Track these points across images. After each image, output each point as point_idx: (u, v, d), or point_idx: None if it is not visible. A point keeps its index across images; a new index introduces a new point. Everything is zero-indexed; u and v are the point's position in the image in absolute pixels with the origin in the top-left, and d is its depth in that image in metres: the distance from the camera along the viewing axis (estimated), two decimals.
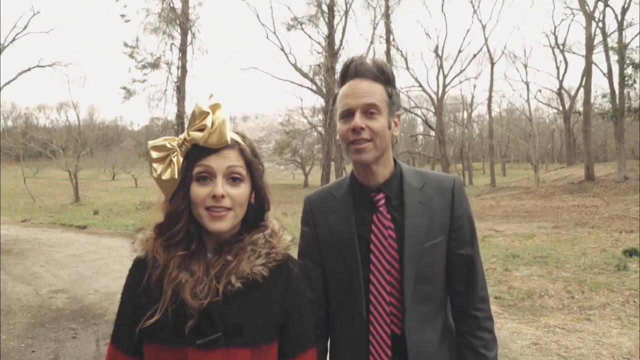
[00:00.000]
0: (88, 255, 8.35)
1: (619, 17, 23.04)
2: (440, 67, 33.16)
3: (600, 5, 24.37)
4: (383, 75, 1.28)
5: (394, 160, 1.38)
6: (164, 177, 1.04)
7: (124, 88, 20.86)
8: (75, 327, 4.64)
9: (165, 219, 1.06)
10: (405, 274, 1.27)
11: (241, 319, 1.04)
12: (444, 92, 33.10)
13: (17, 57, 42.35)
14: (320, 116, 25.36)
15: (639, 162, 26.13)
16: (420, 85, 31.71)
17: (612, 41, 23.20)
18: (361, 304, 1.30)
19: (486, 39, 32.42)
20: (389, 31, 25.83)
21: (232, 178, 1.05)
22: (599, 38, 25.06)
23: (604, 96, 23.80)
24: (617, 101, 21.02)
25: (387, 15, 24.92)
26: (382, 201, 1.31)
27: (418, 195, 1.31)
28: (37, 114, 65.21)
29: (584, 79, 26.47)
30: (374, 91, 1.26)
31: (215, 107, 1.04)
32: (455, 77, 35.71)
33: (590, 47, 24.95)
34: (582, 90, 28.83)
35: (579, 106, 32.64)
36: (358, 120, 1.23)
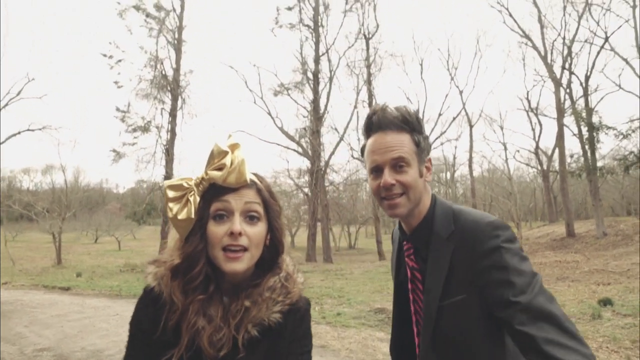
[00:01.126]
0: (73, 315, 8.27)
1: (584, 84, 24.73)
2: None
3: (567, 72, 26.26)
4: (408, 125, 1.24)
5: (434, 201, 1.29)
6: (180, 217, 1.03)
7: (114, 151, 21.34)
8: None
9: (182, 260, 1.04)
10: (422, 333, 1.21)
11: None
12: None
13: (6, 121, 42.93)
14: (306, 177, 25.99)
15: (618, 218, 26.92)
16: None
17: (580, 106, 24.77)
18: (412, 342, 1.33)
19: (464, 103, 34.05)
20: (371, 96, 27.16)
21: (250, 217, 1.05)
22: (569, 102, 26.75)
23: (571, 156, 25.03)
24: (590, 161, 22.05)
25: (369, 82, 26.35)
26: (410, 251, 1.29)
27: (442, 247, 1.21)
28: (22, 176, 64.86)
29: (557, 140, 27.85)
30: (400, 143, 1.22)
31: (234, 147, 1.05)
32: (436, 139, 37.04)
33: (560, 110, 26.50)
34: (557, 150, 30.20)
35: (557, 165, 33.99)
36: (387, 177, 1.20)
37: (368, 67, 26.22)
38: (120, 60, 21.18)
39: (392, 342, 1.41)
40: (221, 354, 1.00)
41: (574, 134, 22.44)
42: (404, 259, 1.32)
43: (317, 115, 23.98)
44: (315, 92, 24.32)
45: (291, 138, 25.58)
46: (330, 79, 25.10)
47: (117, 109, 21.62)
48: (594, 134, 20.09)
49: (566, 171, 24.61)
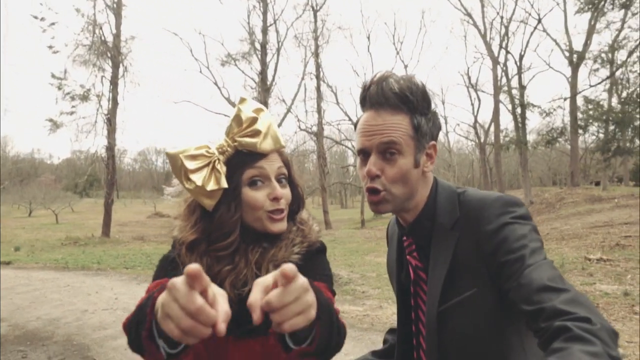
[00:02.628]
0: (21, 287, 8.18)
1: (518, 63, 26.28)
2: None
3: (503, 51, 27.72)
4: (407, 104, 1.03)
5: (435, 186, 1.11)
6: (209, 188, 0.98)
7: (51, 120, 20.22)
8: (23, 349, 4.77)
9: (217, 229, 1.01)
10: (426, 343, 1.06)
11: None
12: None
13: None
14: None
15: (544, 188, 29.37)
16: (350, 119, 33.40)
17: (515, 84, 26.41)
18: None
19: (421, 81, 34.94)
20: (318, 68, 27.33)
21: (279, 180, 1.05)
22: (505, 79, 28.36)
23: (501, 132, 26.83)
24: (521, 135, 23.75)
25: (316, 54, 26.46)
26: (412, 247, 1.12)
27: (446, 239, 1.04)
28: None
29: (493, 115, 29.58)
30: (394, 125, 1.02)
31: (260, 111, 1.02)
32: None
33: (496, 87, 28.07)
34: (493, 124, 32.08)
35: (492, 138, 36.15)
36: (372, 165, 1.03)
37: (316, 39, 26.30)
38: (53, 23, 19.85)
39: (398, 354, 1.20)
40: (244, 291, 0.98)
41: (508, 110, 23.98)
42: (405, 257, 1.15)
43: (264, 87, 23.89)
44: (263, 63, 24.14)
45: None
46: (278, 50, 24.99)
47: (53, 76, 20.40)
48: (522, 110, 21.68)
49: (500, 144, 26.33)
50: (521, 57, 26.29)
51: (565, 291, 0.80)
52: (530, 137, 25.21)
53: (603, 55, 14.26)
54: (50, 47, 20.30)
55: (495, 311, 0.98)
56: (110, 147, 20.37)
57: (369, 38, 28.93)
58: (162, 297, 0.66)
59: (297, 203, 1.12)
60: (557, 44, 25.18)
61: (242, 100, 1.03)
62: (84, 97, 20.18)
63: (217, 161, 1.00)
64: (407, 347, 1.17)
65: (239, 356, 1.02)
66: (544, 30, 28.18)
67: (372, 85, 1.06)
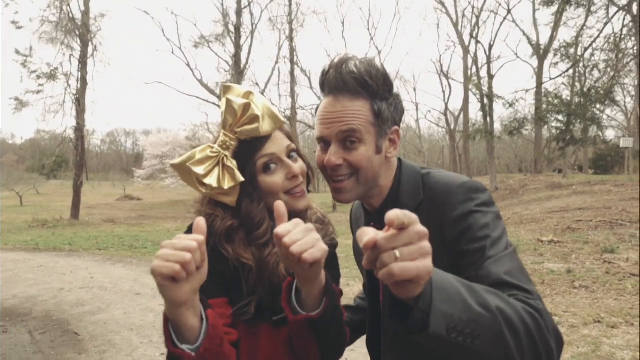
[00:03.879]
0: None
1: (487, 52, 26.96)
2: None
3: (474, 40, 28.34)
4: (366, 89, 1.00)
5: (400, 168, 1.10)
6: (226, 187, 0.98)
7: (16, 99, 19.62)
8: (3, 325, 4.93)
9: (248, 221, 1.02)
10: (383, 319, 1.11)
11: None
12: None
13: None
14: None
15: (510, 175, 30.52)
16: None
17: (484, 72, 27.12)
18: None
19: (382, 64, 35.36)
20: (293, 52, 27.29)
21: (290, 156, 1.06)
22: (475, 68, 29.04)
23: (467, 122, 27.65)
24: (489, 124, 24.54)
25: (290, 38, 26.40)
26: None
27: None
28: None
29: (463, 103, 30.34)
30: (353, 113, 0.99)
31: (249, 95, 1.01)
32: None
33: (467, 76, 28.74)
34: (463, 112, 32.91)
35: (462, 126, 37.11)
36: (332, 156, 1.00)
37: (290, 22, 26.19)
38: None
39: (368, 338, 1.22)
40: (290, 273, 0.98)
41: (478, 99, 24.70)
42: None
43: (238, 70, 23.76)
44: (237, 45, 23.95)
45: (211, 91, 25.20)
46: (252, 33, 24.82)
47: (17, 52, 19.73)
48: (487, 101, 22.43)
49: (469, 131, 27.12)
50: (490, 47, 26.99)
51: (518, 288, 0.83)
52: (499, 126, 26.10)
53: (562, 49, 14.93)
54: (14, 22, 19.59)
55: None
56: (80, 128, 19.95)
57: (343, 23, 29.19)
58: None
59: (308, 174, 1.12)
60: (525, 34, 25.96)
61: (227, 88, 1.02)
62: (51, 76, 19.62)
63: (225, 158, 1.00)
64: (376, 324, 1.16)
65: (271, 343, 1.03)
66: (513, 21, 28.99)
67: (330, 69, 1.02)
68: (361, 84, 1.00)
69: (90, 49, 20.40)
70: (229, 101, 0.99)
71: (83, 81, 20.21)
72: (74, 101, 19.85)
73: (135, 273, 7.51)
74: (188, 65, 24.89)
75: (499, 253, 0.89)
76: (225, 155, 1.00)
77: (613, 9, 9.47)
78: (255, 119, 0.98)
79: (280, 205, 0.84)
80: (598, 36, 9.73)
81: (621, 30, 8.76)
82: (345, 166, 1.02)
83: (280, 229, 0.79)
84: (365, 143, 1.01)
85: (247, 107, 0.98)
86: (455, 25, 29.31)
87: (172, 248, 0.75)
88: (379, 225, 1.06)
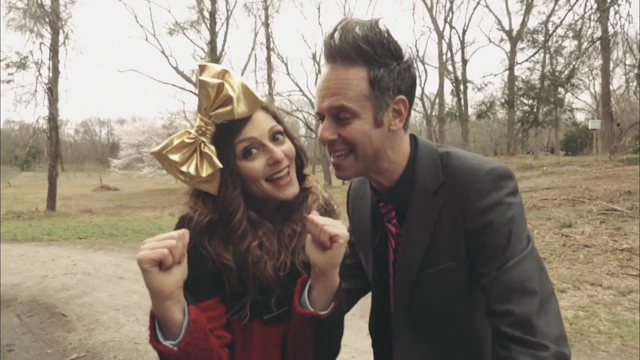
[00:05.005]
0: None
1: (461, 37, 27.44)
2: (318, 72, 35.54)
3: (448, 26, 28.78)
4: (362, 55, 0.91)
5: (416, 146, 1.03)
6: (205, 174, 0.93)
7: None
8: None
9: (223, 210, 0.97)
10: (396, 302, 1.06)
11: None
12: None
13: None
14: None
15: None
16: (301, 90, 33.72)
17: (458, 57, 27.65)
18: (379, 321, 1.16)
19: (386, 27, 35.39)
20: (269, 38, 27.21)
21: (275, 138, 0.98)
22: (450, 53, 29.52)
23: (440, 105, 28.24)
24: (463, 108, 25.14)
25: (266, 24, 26.30)
26: (392, 214, 1.05)
27: (427, 204, 0.98)
28: None
29: (439, 88, 30.87)
30: (345, 85, 0.92)
31: (224, 74, 0.93)
32: None
33: (441, 61, 29.21)
34: (438, 97, 33.47)
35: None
36: (325, 131, 0.95)
37: (266, 8, 26.08)
38: None
39: (372, 319, 1.21)
40: (280, 274, 0.99)
41: (452, 84, 25.21)
42: (381, 223, 1.09)
43: (214, 57, 23.62)
44: (212, 32, 23.79)
45: (187, 79, 25.01)
46: (227, 19, 24.65)
47: None
48: (456, 85, 23.01)
49: (441, 117, 27.69)
50: (464, 32, 27.44)
51: (535, 294, 0.85)
52: (472, 111, 26.78)
53: (529, 35, 15.42)
54: None
55: (466, 285, 0.97)
56: (53, 118, 19.63)
57: (319, 9, 29.00)
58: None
59: (300, 157, 1.05)
60: (497, 18, 26.50)
61: (202, 67, 0.94)
62: (22, 65, 19.20)
63: (202, 144, 0.93)
64: (383, 306, 1.13)
65: (262, 341, 1.01)
66: (487, 6, 29.46)
67: (332, 35, 0.94)
68: (356, 50, 0.91)
69: (61, 36, 19.99)
70: (202, 82, 0.91)
71: (55, 70, 19.82)
72: (46, 90, 19.49)
73: (117, 259, 7.67)
74: (163, 52, 24.68)
75: (520, 253, 0.89)
76: (203, 141, 0.94)
77: None
78: (228, 100, 0.91)
79: (312, 217, 0.93)
80: (560, 23, 10.15)
81: (582, 17, 9.19)
82: (341, 142, 0.96)
83: (311, 215, 0.92)
84: (360, 117, 0.93)
85: (220, 87, 0.91)
86: (430, 10, 29.62)
87: (155, 240, 0.83)
88: (390, 206, 1.05)
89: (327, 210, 1.12)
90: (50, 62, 19.76)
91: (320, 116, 0.98)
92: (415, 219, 0.99)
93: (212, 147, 0.94)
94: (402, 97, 0.96)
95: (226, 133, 0.95)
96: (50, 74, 19.72)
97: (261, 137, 0.97)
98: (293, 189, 1.00)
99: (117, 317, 4.62)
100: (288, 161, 0.99)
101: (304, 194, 1.07)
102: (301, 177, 1.07)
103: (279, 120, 1.02)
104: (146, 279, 0.82)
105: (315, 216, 0.92)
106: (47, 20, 19.64)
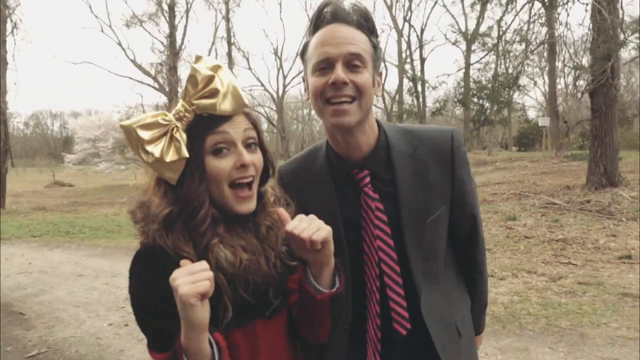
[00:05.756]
0: None
1: (419, 36, 28.18)
2: (280, 67, 35.54)
3: (407, 24, 29.48)
4: (367, 22, 1.06)
5: (377, 123, 1.16)
6: (168, 159, 0.90)
7: None
8: None
9: (182, 206, 0.93)
10: (412, 258, 1.11)
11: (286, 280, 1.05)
12: (284, 91, 35.46)
13: None
14: None
15: None
16: (262, 85, 33.55)
17: (417, 55, 28.40)
18: (347, 299, 1.14)
19: None
20: (230, 33, 26.98)
21: (248, 144, 0.96)
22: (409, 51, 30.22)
23: (398, 102, 29.04)
24: (421, 106, 25.90)
25: (227, 18, 26.07)
26: (367, 179, 1.12)
27: (410, 164, 1.12)
28: None
29: (399, 85, 31.57)
30: (358, 40, 1.03)
31: (217, 69, 0.93)
32: (294, 77, 38.56)
33: (401, 59, 29.89)
34: (398, 94, 34.21)
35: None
36: (340, 72, 1.01)
37: (227, 2, 25.82)
38: None
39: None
40: (275, 267, 1.00)
41: (410, 81, 25.91)
42: (352, 194, 1.14)
43: (173, 50, 23.23)
44: (172, 25, 23.36)
45: (145, 72, 24.47)
46: (187, 12, 24.25)
47: None
48: (412, 84, 23.79)
49: (403, 112, 28.43)
50: (422, 30, 28.18)
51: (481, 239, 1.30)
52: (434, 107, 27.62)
53: (480, 38, 16.16)
54: None
55: (446, 224, 1.19)
56: (2, 111, 18.78)
57: (280, 4, 28.99)
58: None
59: (267, 170, 1.04)
60: (453, 17, 27.41)
61: (198, 58, 0.94)
62: None
63: (175, 129, 0.91)
64: (356, 277, 1.16)
65: (269, 336, 1.02)
66: (444, 6, 30.29)
67: (328, 5, 1.06)
68: (364, 17, 1.06)
69: (9, 26, 19.11)
70: (193, 70, 0.92)
71: (3, 61, 18.94)
72: None
73: (75, 257, 7.59)
74: (119, 44, 23.99)
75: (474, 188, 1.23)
76: (177, 126, 0.91)
77: (522, 1, 10.55)
78: (215, 93, 0.91)
79: (282, 212, 0.98)
80: (508, 27, 10.76)
81: (527, 22, 9.78)
82: (351, 87, 1.02)
83: (288, 226, 0.92)
84: (368, 69, 1.05)
85: (210, 79, 0.91)
86: (390, 8, 30.19)
87: (189, 273, 0.81)
88: (369, 169, 1.13)
89: (287, 202, 1.10)
90: None
91: (328, 63, 1.04)
92: (406, 177, 1.11)
93: (184, 135, 0.92)
94: (381, 70, 1.14)
95: (202, 125, 0.93)
96: None
97: (235, 138, 0.94)
98: (251, 205, 0.97)
99: (78, 314, 4.66)
100: (254, 171, 0.97)
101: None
102: (261, 194, 1.04)
103: (257, 130, 1.00)
104: (190, 313, 0.80)
105: (292, 226, 0.92)
106: None
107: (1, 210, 17.59)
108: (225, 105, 0.91)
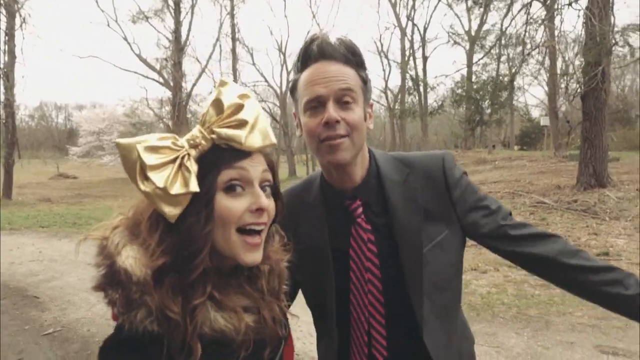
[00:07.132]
0: None
1: (422, 34, 28.39)
2: (284, 63, 35.83)
3: (410, 22, 29.68)
4: (355, 57, 1.07)
5: (370, 150, 1.17)
6: (173, 191, 0.74)
7: None
8: None
9: (184, 247, 0.75)
10: (411, 289, 1.09)
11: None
12: (287, 87, 35.65)
13: None
14: (168, 108, 25.70)
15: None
16: (266, 80, 33.81)
17: (420, 54, 28.63)
18: (332, 325, 1.15)
19: None
20: (234, 29, 27.24)
21: (264, 187, 0.83)
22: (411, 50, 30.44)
23: (396, 100, 29.30)
24: (423, 104, 26.14)
25: (232, 14, 26.33)
26: (360, 210, 1.12)
27: (402, 192, 1.12)
28: None
29: (401, 83, 31.83)
30: (347, 76, 1.04)
31: (244, 97, 0.82)
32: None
33: (404, 57, 30.14)
34: (401, 92, 34.48)
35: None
36: (332, 111, 1.01)
37: None
38: None
39: (326, 333, 1.22)
40: (280, 322, 0.90)
41: (412, 79, 26.13)
42: (343, 224, 1.13)
43: (178, 46, 23.52)
44: (177, 21, 23.63)
45: (150, 67, 24.77)
46: (192, 8, 24.51)
47: None
48: (412, 83, 24.06)
49: (399, 113, 28.74)
50: (425, 29, 28.37)
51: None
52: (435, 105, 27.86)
53: (479, 40, 16.41)
54: None
55: (460, 247, 1.15)
56: (9, 104, 19.16)
57: (285, 1, 29.11)
58: None
59: (275, 219, 0.91)
60: (457, 15, 27.57)
61: (223, 82, 0.84)
62: None
63: (186, 157, 0.77)
64: (342, 312, 1.14)
65: None
66: (448, 5, 30.48)
67: (316, 40, 1.06)
68: (352, 53, 1.06)
69: (18, 20, 19.46)
70: (219, 93, 0.81)
71: (11, 54, 19.31)
72: (2, 76, 18.97)
73: (83, 247, 7.91)
74: (125, 39, 24.21)
75: (492, 203, 1.15)
76: (188, 154, 0.77)
77: (518, 5, 10.82)
78: (243, 124, 0.79)
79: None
80: (505, 31, 11.03)
81: (524, 25, 10.05)
82: (343, 125, 1.03)
83: None
84: (358, 105, 1.05)
85: (238, 107, 0.80)
86: (394, 6, 30.38)
87: None
88: (359, 201, 1.12)
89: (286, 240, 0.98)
90: (6, 46, 19.22)
91: (319, 102, 1.04)
92: (399, 205, 1.10)
93: (195, 166, 0.77)
94: (372, 102, 1.15)
95: (218, 156, 0.79)
96: (6, 59, 19.19)
97: (254, 177, 0.81)
98: (258, 256, 0.83)
99: (88, 298, 5.02)
100: (267, 219, 0.83)
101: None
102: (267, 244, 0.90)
103: (274, 173, 0.87)
104: None
105: None
106: (2, 3, 19.05)
107: (8, 201, 18.01)
108: (251, 139, 0.80)
